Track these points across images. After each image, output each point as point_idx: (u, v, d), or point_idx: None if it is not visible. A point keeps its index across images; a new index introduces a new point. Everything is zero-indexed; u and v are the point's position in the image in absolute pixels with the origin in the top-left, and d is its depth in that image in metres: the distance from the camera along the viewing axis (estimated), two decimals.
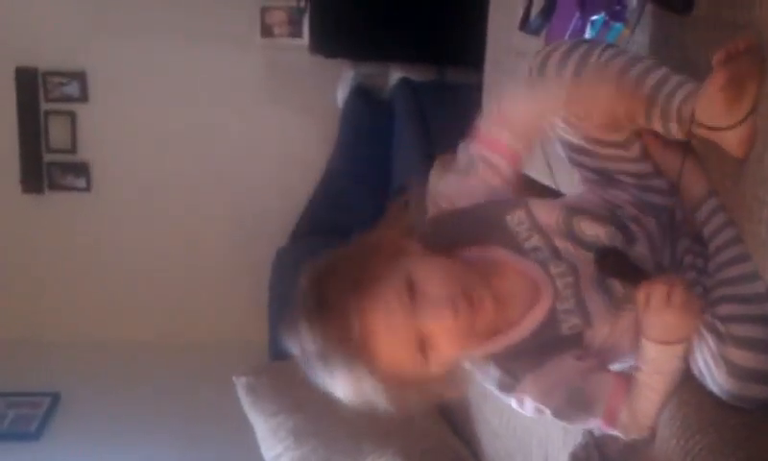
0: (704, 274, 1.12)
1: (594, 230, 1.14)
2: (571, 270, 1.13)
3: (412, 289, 1.05)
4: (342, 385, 1.09)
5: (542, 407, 1.15)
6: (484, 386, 1.19)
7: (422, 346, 1.05)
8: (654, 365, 1.09)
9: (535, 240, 1.14)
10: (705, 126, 1.01)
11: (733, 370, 1.01)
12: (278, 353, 2.99)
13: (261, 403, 2.29)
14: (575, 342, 1.13)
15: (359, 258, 1.10)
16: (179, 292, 3.79)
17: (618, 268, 1.09)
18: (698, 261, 1.14)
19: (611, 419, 1.15)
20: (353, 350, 1.04)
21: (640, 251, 1.14)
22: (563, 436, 1.52)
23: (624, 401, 1.14)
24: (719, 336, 1.02)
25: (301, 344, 1.10)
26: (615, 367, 1.20)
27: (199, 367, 3.43)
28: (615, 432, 1.17)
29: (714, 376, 1.03)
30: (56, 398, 3.40)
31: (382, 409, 1.10)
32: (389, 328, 1.04)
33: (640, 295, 1.06)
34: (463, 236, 1.14)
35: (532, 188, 1.46)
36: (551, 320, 1.12)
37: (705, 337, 1.04)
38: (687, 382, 1.10)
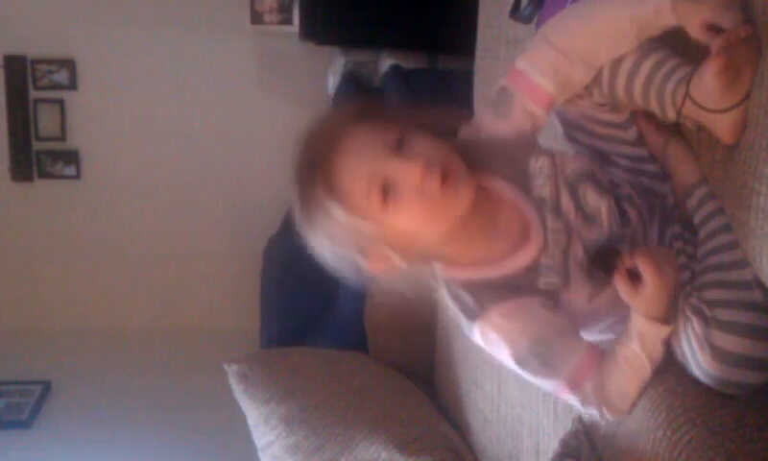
0: (693, 260, 1.12)
1: (596, 203, 1.15)
2: (566, 231, 1.14)
3: (401, 140, 1.06)
4: (307, 204, 1.09)
5: (505, 347, 1.14)
6: (449, 314, 1.19)
7: (385, 187, 1.04)
8: (639, 341, 1.10)
9: (545, 190, 1.15)
10: (697, 104, 1.02)
11: (717, 354, 1.01)
12: (270, 341, 3.00)
13: (253, 391, 2.29)
14: (548, 296, 1.14)
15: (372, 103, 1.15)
16: (169, 280, 3.79)
17: (610, 267, 1.10)
18: (688, 248, 1.14)
19: (573, 384, 1.15)
20: (316, 160, 1.06)
21: (632, 231, 1.16)
22: (553, 423, 1.53)
23: (592, 371, 1.14)
24: (704, 320, 1.03)
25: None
26: (591, 337, 1.21)
27: (190, 355, 3.43)
28: (572, 399, 1.17)
29: (698, 360, 1.04)
30: (47, 386, 3.39)
31: (337, 253, 1.10)
32: (356, 153, 1.05)
33: (620, 284, 1.07)
34: (480, 160, 1.13)
35: None
36: (531, 269, 1.13)
37: (690, 320, 1.04)
38: (671, 370, 1.11)
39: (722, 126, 1.02)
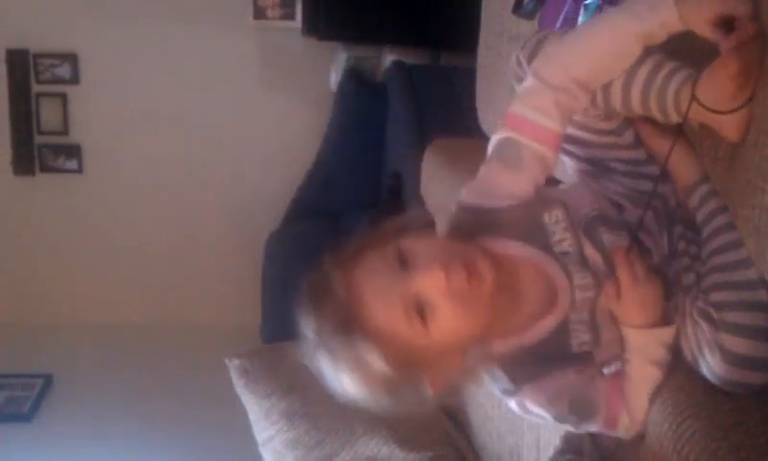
0: (697, 260, 1.12)
1: (614, 243, 1.11)
2: (595, 283, 1.10)
3: (402, 257, 1.01)
4: (345, 368, 1.02)
5: (544, 414, 1.15)
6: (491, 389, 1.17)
7: (420, 309, 0.99)
8: (641, 354, 1.10)
9: (566, 244, 1.10)
10: (706, 108, 1.01)
11: (727, 356, 1.01)
12: (271, 336, 3.00)
13: (254, 386, 2.29)
14: (582, 359, 1.13)
15: (352, 244, 1.07)
16: (171, 275, 3.79)
17: None
18: (691, 248, 1.14)
19: (611, 423, 1.16)
20: (345, 321, 0.99)
21: (654, 258, 1.14)
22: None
23: (621, 403, 1.15)
24: (712, 323, 1.03)
25: (304, 337, 1.05)
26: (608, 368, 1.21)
27: (191, 349, 3.43)
28: (616, 434, 1.19)
29: (708, 362, 1.04)
30: (48, 379, 3.40)
31: (393, 398, 1.03)
32: (377, 290, 0.99)
33: (609, 287, 1.07)
34: (488, 227, 1.09)
35: None
36: (562, 331, 1.11)
37: (699, 324, 1.04)
38: (679, 367, 1.11)
39: (729, 125, 1.01)
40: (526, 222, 1.11)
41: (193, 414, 3.11)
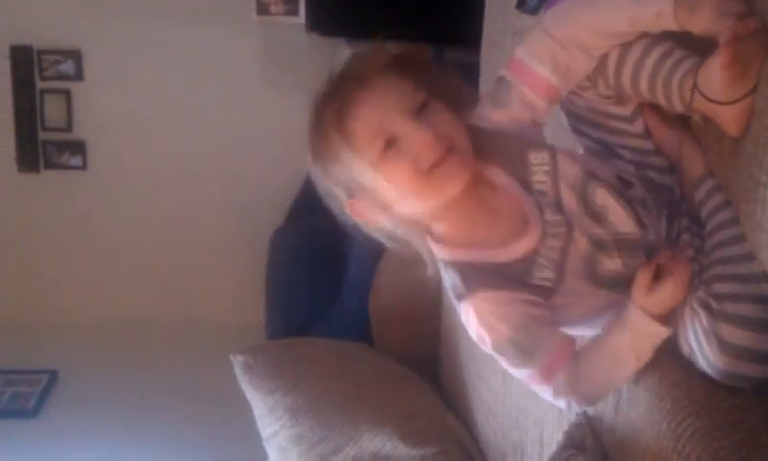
0: (700, 253, 1.12)
1: (605, 202, 1.14)
2: (566, 225, 1.13)
3: (425, 103, 1.07)
4: (315, 124, 1.12)
5: (484, 333, 1.14)
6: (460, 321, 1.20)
7: (389, 141, 1.05)
8: (632, 335, 1.10)
9: (545, 185, 1.14)
10: (705, 97, 1.02)
11: (725, 347, 1.01)
12: (275, 333, 3.01)
13: (258, 382, 2.30)
14: (540, 293, 1.14)
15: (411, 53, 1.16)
16: (175, 271, 3.80)
17: None
18: (695, 241, 1.14)
19: (547, 374, 1.16)
20: (339, 91, 1.10)
21: (650, 235, 1.15)
22: (557, 415, 1.53)
23: (566, 362, 1.15)
24: (711, 313, 1.03)
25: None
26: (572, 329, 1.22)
27: (196, 345, 3.44)
28: (544, 389, 1.18)
29: (705, 353, 1.04)
30: (53, 375, 3.40)
31: (325, 173, 1.12)
32: (375, 101, 1.07)
33: (644, 274, 1.08)
34: (480, 146, 1.13)
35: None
36: (527, 261, 1.13)
37: (698, 314, 1.05)
38: (677, 364, 1.11)
39: (728, 117, 1.02)
40: (511, 153, 1.15)
41: (198, 410, 3.12)
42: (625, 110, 1.17)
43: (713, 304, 1.03)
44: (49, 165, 3.72)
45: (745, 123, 1.00)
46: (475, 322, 1.14)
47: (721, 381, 1.04)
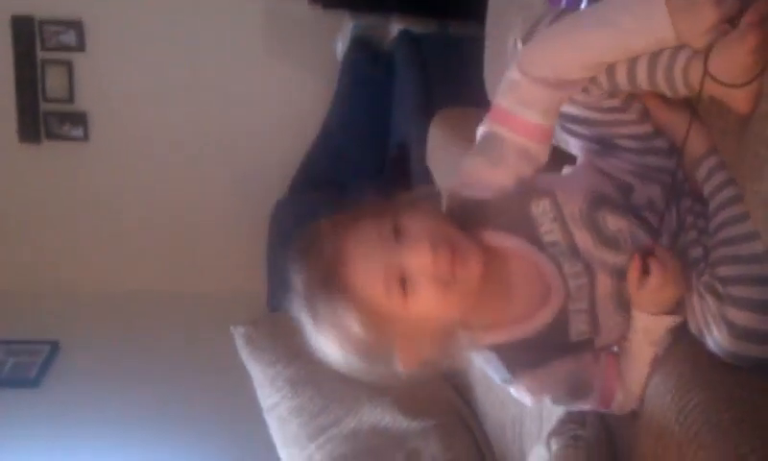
0: (705, 233, 1.12)
1: (617, 225, 1.11)
2: (587, 271, 1.10)
3: (397, 228, 1.03)
4: (323, 324, 1.04)
5: (541, 397, 1.19)
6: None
7: (401, 281, 1.01)
8: (645, 335, 1.11)
9: (555, 234, 1.10)
10: (719, 82, 1.00)
11: (733, 330, 1.02)
12: (276, 304, 3.01)
13: (259, 353, 2.30)
14: (583, 347, 1.14)
15: (353, 209, 1.09)
16: (177, 242, 3.80)
17: None
18: (699, 221, 1.14)
19: (606, 401, 1.19)
20: (328, 275, 1.02)
21: (663, 239, 1.14)
22: None
23: (617, 382, 1.17)
24: (718, 297, 1.03)
25: (292, 289, 1.08)
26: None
27: (197, 317, 3.45)
28: (612, 411, 1.21)
29: (714, 336, 1.04)
30: (55, 346, 3.42)
31: (364, 363, 1.06)
32: (363, 253, 1.02)
33: (633, 272, 1.07)
34: (478, 218, 1.09)
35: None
36: (560, 322, 1.11)
37: (705, 297, 1.05)
38: (684, 339, 1.11)
39: (740, 99, 1.01)
40: (513, 213, 1.10)
41: (199, 380, 3.14)
42: (616, 101, 1.15)
43: (719, 288, 1.03)
44: (50, 136, 3.71)
45: (755, 101, 1.00)
46: (530, 395, 1.17)
47: (730, 362, 1.05)
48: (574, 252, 1.10)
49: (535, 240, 1.10)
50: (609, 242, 1.11)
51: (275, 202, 3.42)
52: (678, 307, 1.11)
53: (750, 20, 0.95)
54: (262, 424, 2.26)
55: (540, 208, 1.10)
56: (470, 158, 1.12)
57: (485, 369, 1.17)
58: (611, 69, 1.08)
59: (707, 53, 1.01)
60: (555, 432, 1.30)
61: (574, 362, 1.14)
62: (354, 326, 1.02)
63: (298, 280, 1.06)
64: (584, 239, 1.10)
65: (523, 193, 1.11)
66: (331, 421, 2.10)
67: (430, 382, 2.22)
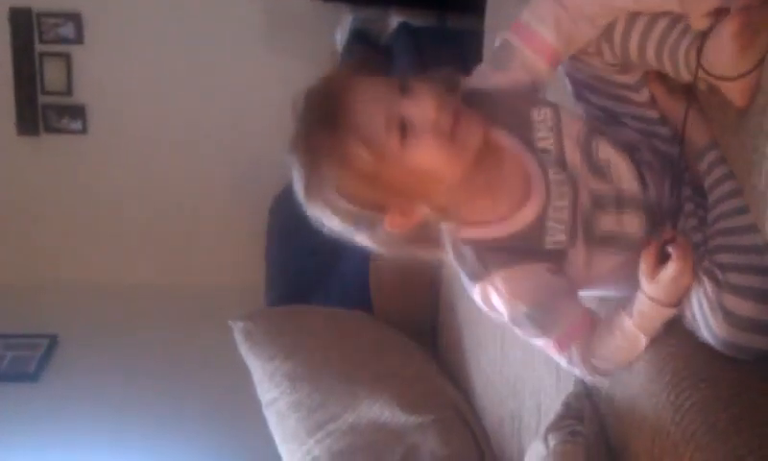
0: (704, 223, 1.12)
1: (607, 155, 1.14)
2: (570, 183, 1.13)
3: (405, 86, 1.05)
4: (320, 156, 1.07)
5: (502, 310, 1.15)
6: (456, 270, 1.19)
7: (402, 126, 1.03)
8: (639, 319, 1.10)
9: (548, 142, 1.13)
10: (710, 74, 1.00)
11: (729, 317, 1.01)
12: (275, 299, 3.01)
13: (257, 348, 2.30)
14: (555, 257, 1.14)
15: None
16: (176, 236, 3.79)
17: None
18: (699, 211, 1.14)
19: (561, 345, 1.17)
20: (331, 110, 1.05)
21: (650, 196, 1.15)
22: (555, 384, 1.54)
23: (581, 336, 1.16)
24: (717, 283, 1.02)
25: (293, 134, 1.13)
26: (589, 294, 1.22)
27: (196, 311, 3.45)
28: (559, 358, 1.20)
29: (709, 323, 1.03)
30: (53, 340, 3.42)
31: (357, 212, 1.07)
32: (369, 96, 1.05)
33: (648, 256, 1.06)
34: (480, 108, 1.11)
35: None
36: (538, 226, 1.12)
37: (702, 284, 1.04)
38: (678, 333, 1.10)
39: (735, 90, 1.00)
40: (514, 112, 1.14)
41: (197, 374, 3.14)
42: (630, 79, 1.16)
43: (718, 275, 1.02)
44: (49, 129, 3.70)
45: (752, 95, 0.99)
46: (494, 300, 1.14)
47: (723, 352, 1.04)
48: (562, 163, 1.13)
49: (528, 142, 1.14)
50: (595, 168, 1.14)
51: (273, 195, 3.41)
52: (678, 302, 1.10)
53: (737, 5, 0.95)
54: (261, 419, 2.26)
55: (541, 115, 1.14)
56: (483, 63, 1.19)
57: (456, 266, 1.17)
58: (625, 39, 1.09)
59: (701, 42, 1.01)
60: (553, 427, 1.30)
61: (548, 275, 1.13)
62: (352, 158, 1.03)
63: (300, 122, 1.12)
64: (573, 155, 1.14)
65: (529, 97, 1.15)
66: (330, 416, 2.09)
67: (429, 378, 2.22)
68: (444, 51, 2.99)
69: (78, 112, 3.68)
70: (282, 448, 2.18)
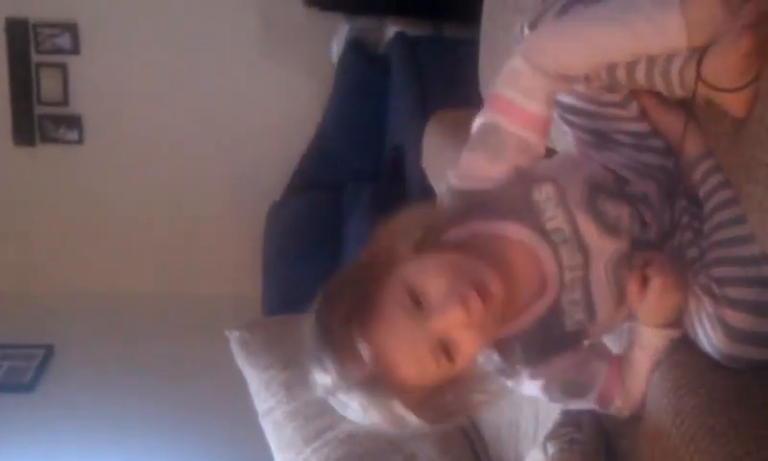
0: (700, 235, 1.11)
1: (617, 212, 1.10)
2: (584, 260, 1.08)
3: (414, 297, 0.99)
4: (378, 417, 1.02)
5: (536, 393, 1.18)
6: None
7: (445, 349, 0.98)
8: (650, 349, 1.11)
9: (558, 220, 1.07)
10: (713, 86, 1.00)
11: (729, 331, 1.01)
12: (271, 308, 3.00)
13: (254, 357, 2.29)
14: (577, 338, 1.13)
15: (352, 282, 1.04)
16: (172, 245, 3.79)
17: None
18: (694, 222, 1.13)
19: (604, 403, 1.18)
20: (373, 380, 0.97)
21: (651, 233, 1.14)
22: None
23: (618, 386, 1.16)
24: (714, 298, 1.02)
25: (323, 385, 1.03)
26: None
27: (192, 320, 3.44)
28: (610, 413, 1.20)
29: (710, 338, 1.04)
30: (49, 350, 3.41)
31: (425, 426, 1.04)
32: (402, 345, 0.98)
33: (633, 284, 1.05)
34: (480, 208, 1.07)
35: None
36: (555, 312, 1.10)
37: (701, 299, 1.04)
38: (681, 343, 1.11)
39: (736, 103, 1.00)
40: (516, 200, 1.08)
41: (194, 384, 3.13)
42: (617, 96, 1.14)
43: (716, 289, 1.02)
44: (45, 139, 3.70)
45: (751, 105, 0.99)
46: (525, 390, 1.17)
47: (725, 364, 1.04)
48: (578, 238, 1.07)
49: (537, 227, 1.07)
50: (610, 228, 1.09)
51: (270, 204, 3.42)
52: (680, 320, 1.10)
53: (744, 23, 0.94)
54: (258, 429, 2.25)
55: (543, 194, 1.07)
56: (469, 152, 1.10)
57: (485, 365, 1.14)
58: (611, 65, 1.07)
59: (700, 56, 1.00)
60: (551, 436, 1.30)
61: (573, 355, 1.14)
62: (409, 414, 1.00)
63: (330, 381, 1.01)
64: (587, 224, 1.08)
65: (524, 180, 1.08)
66: (327, 424, 2.09)
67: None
68: (440, 61, 3.00)
69: (74, 123, 3.68)
70: (279, 458, 2.18)
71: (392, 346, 0.98)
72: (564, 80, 1.06)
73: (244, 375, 2.32)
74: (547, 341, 1.10)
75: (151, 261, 3.79)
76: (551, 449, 1.26)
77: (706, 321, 1.04)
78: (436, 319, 0.97)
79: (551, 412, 1.49)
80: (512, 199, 1.07)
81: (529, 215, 1.07)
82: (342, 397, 1.02)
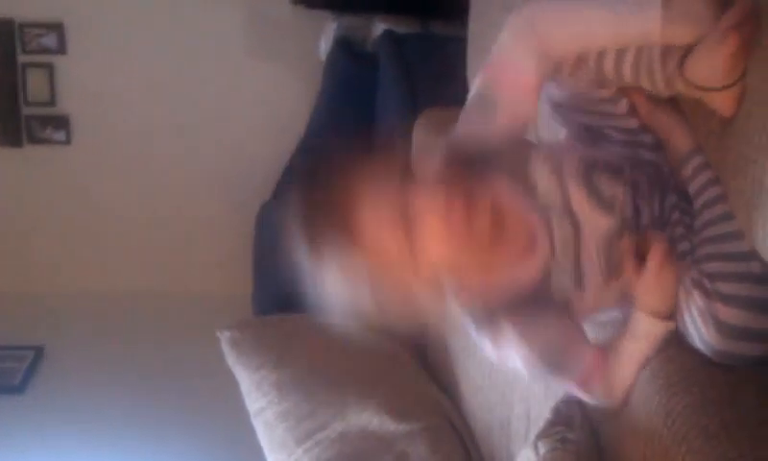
0: (690, 231, 1.12)
1: (612, 191, 1.12)
2: (574, 234, 1.11)
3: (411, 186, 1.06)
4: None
5: (516, 357, 1.15)
6: (464, 326, 1.19)
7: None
8: (644, 340, 1.11)
9: (550, 188, 1.11)
10: (698, 87, 1.00)
11: (721, 327, 1.01)
12: (262, 308, 3.00)
13: (245, 358, 2.29)
14: (562, 303, 1.14)
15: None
16: (162, 245, 3.78)
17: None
18: (685, 218, 1.14)
19: (584, 386, 1.18)
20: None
21: (643, 220, 1.14)
22: (544, 391, 1.54)
23: (600, 373, 1.16)
24: (706, 293, 1.02)
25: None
26: (596, 320, 1.21)
27: (183, 320, 3.43)
28: (584, 397, 1.20)
29: (701, 333, 1.04)
30: (39, 351, 3.39)
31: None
32: (380, 198, 1.06)
33: (629, 265, 1.07)
34: (479, 166, 1.10)
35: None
36: (542, 277, 1.12)
37: (692, 294, 1.04)
38: (671, 339, 1.11)
39: (722, 101, 1.01)
40: (512, 163, 1.12)
41: (185, 384, 3.12)
42: (607, 92, 1.15)
43: (707, 284, 1.03)
44: (32, 140, 3.67)
45: (737, 103, 0.99)
46: (506, 350, 1.16)
47: (716, 360, 1.05)
48: (568, 209, 1.11)
49: (531, 193, 1.11)
50: (604, 204, 1.12)
51: (260, 203, 3.41)
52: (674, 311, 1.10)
53: (730, 23, 0.95)
54: (250, 429, 2.25)
55: (540, 159, 1.12)
56: (466, 115, 1.15)
57: (462, 314, 1.17)
58: (600, 57, 1.08)
59: (683, 56, 1.01)
60: (542, 434, 1.30)
61: (558, 323, 1.14)
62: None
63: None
64: (579, 196, 1.11)
65: (523, 146, 1.13)
66: (318, 425, 2.09)
67: (418, 385, 2.22)
68: (428, 58, 3.00)
69: (61, 123, 3.66)
70: (271, 458, 2.18)
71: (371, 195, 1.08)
72: (545, 57, 1.08)
73: (235, 375, 2.31)
74: (531, 299, 1.12)
75: (140, 261, 3.78)
76: (542, 449, 1.26)
77: (697, 317, 1.04)
78: (419, 198, 1.04)
79: (543, 410, 1.49)
80: (508, 162, 1.12)
81: (522, 179, 1.12)
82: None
